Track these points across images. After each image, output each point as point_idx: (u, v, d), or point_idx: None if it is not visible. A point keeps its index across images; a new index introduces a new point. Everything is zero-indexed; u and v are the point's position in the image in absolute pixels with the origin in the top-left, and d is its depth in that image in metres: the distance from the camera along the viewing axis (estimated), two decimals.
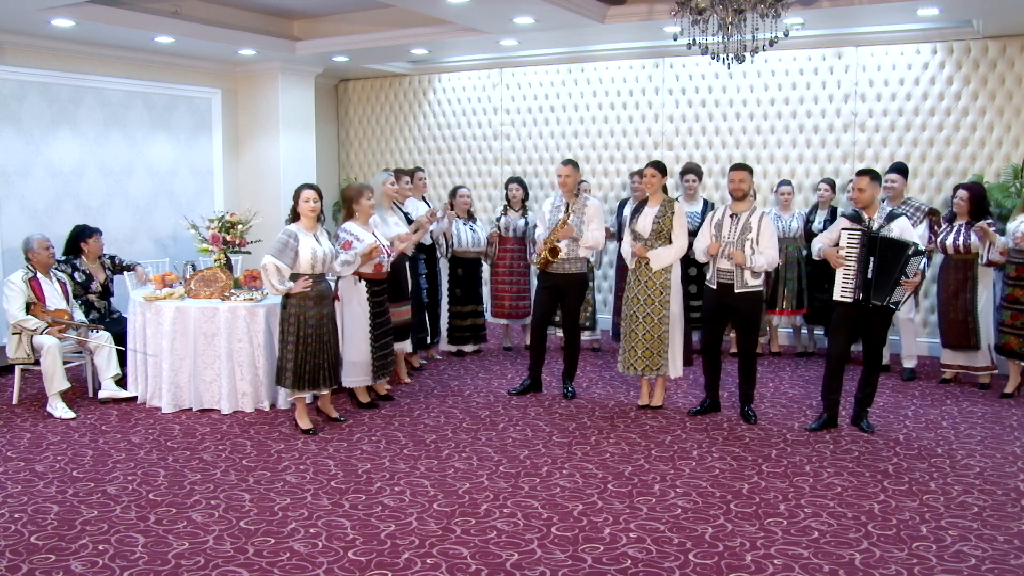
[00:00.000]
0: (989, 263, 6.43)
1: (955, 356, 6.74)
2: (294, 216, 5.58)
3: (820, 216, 7.53)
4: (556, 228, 6.18)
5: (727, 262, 5.68)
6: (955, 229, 6.58)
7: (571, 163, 6.30)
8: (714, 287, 5.78)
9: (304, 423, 5.64)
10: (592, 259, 7.98)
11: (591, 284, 7.92)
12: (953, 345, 6.68)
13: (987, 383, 6.65)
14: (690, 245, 6.34)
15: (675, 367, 6.06)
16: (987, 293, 6.59)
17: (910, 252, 5.25)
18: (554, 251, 6.19)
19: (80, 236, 6.89)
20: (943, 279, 6.74)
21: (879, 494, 4.53)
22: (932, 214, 6.90)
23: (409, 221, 6.88)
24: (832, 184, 7.58)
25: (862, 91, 8.06)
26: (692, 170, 7.70)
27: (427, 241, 7.27)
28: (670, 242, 5.94)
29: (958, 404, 6.26)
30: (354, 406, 6.20)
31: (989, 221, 6.38)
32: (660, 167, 6.02)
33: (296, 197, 5.58)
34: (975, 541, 3.96)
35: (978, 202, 6.49)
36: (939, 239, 6.65)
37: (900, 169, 7.02)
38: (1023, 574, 3.66)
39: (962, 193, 6.57)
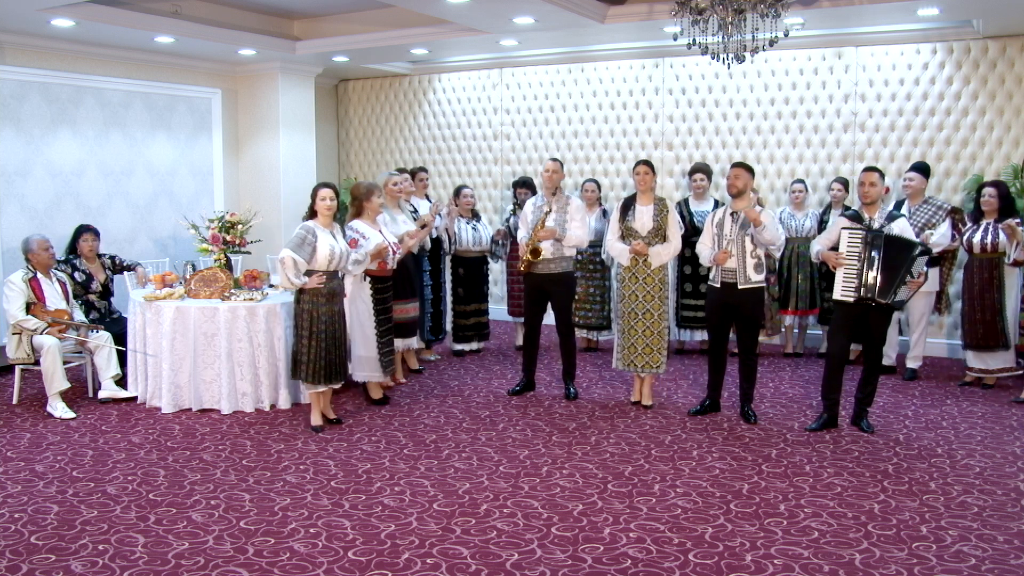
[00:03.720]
0: (1015, 263, 6.32)
1: (980, 358, 6.60)
2: (311, 213, 5.63)
3: (834, 215, 7.49)
4: (536, 229, 6.20)
5: (732, 261, 5.69)
6: (982, 227, 6.47)
7: (558, 161, 6.38)
8: (717, 285, 5.79)
9: (316, 419, 5.68)
10: (608, 262, 7.96)
11: (607, 284, 7.92)
12: (980, 346, 6.54)
13: (992, 384, 6.64)
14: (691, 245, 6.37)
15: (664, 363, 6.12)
16: (1015, 292, 6.48)
17: (916, 252, 5.24)
18: (535, 252, 6.20)
19: (76, 236, 6.92)
20: (968, 279, 6.60)
21: (879, 494, 4.53)
22: (955, 212, 6.81)
23: (416, 219, 6.91)
24: (845, 183, 7.52)
25: (862, 91, 8.05)
26: (701, 169, 7.69)
27: (433, 235, 7.29)
28: (665, 240, 5.97)
29: (958, 404, 6.26)
30: (366, 403, 6.21)
31: (1017, 220, 6.26)
32: (651, 165, 6.07)
33: (313, 195, 5.64)
34: (975, 541, 3.96)
35: (1006, 200, 6.42)
36: (965, 237, 6.55)
37: (920, 168, 6.96)
38: (1023, 574, 3.66)
39: (990, 191, 6.46)
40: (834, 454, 5.17)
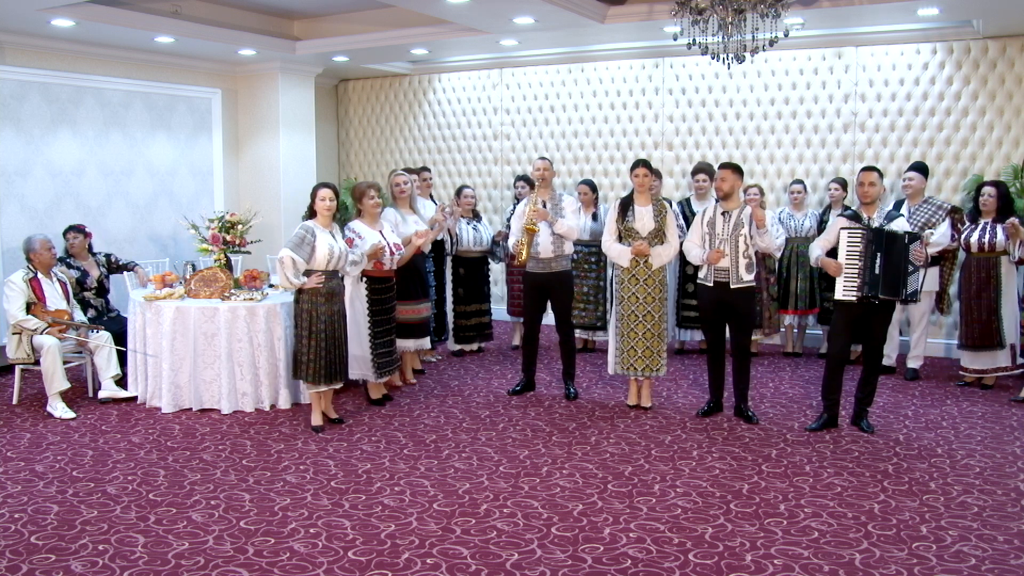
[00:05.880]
0: (1020, 261, 6.29)
1: (976, 358, 6.59)
2: (310, 213, 5.63)
3: (833, 215, 7.50)
4: (530, 211, 6.20)
5: (724, 261, 5.69)
6: (980, 227, 6.47)
7: (547, 159, 6.40)
8: (710, 284, 5.78)
9: (317, 419, 5.68)
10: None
11: (601, 284, 7.91)
12: (976, 346, 6.53)
13: (991, 384, 6.63)
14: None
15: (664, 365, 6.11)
16: (1012, 292, 6.47)
17: (905, 240, 5.24)
18: (530, 231, 6.19)
19: (64, 236, 6.99)
20: (965, 278, 6.60)
21: (879, 494, 4.53)
22: (954, 212, 6.80)
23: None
24: (843, 183, 7.53)
25: (862, 91, 8.05)
26: (703, 169, 7.69)
27: (440, 235, 7.30)
28: (664, 241, 5.97)
29: (958, 404, 6.26)
30: (365, 403, 6.21)
31: (1018, 220, 6.25)
32: (651, 167, 6.06)
33: (313, 195, 5.64)
34: (975, 541, 3.96)
35: (1005, 200, 6.42)
36: (963, 236, 6.55)
37: (919, 168, 6.97)
38: (1023, 574, 3.66)
39: (990, 190, 6.46)
40: (834, 454, 5.17)
